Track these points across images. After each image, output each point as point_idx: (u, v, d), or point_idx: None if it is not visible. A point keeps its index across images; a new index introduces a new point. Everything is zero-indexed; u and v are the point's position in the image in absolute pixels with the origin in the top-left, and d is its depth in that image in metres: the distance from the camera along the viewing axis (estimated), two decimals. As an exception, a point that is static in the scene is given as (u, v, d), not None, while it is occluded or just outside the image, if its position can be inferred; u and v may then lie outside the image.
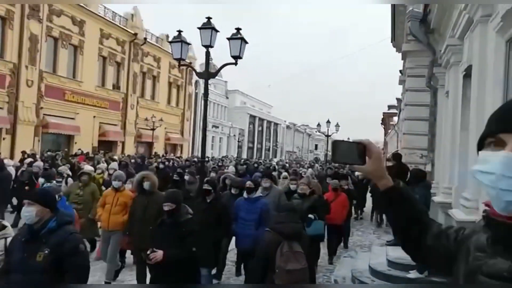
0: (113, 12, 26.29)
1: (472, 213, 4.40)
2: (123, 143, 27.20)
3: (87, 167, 9.41)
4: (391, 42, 12.96)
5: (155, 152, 26.93)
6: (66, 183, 8.60)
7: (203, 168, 7.31)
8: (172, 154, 28.23)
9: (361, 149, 1.18)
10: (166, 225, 3.98)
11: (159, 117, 28.06)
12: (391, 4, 10.69)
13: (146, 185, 5.51)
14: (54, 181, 8.22)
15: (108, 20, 25.47)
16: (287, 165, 22.09)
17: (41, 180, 7.86)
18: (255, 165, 19.26)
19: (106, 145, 25.23)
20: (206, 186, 5.39)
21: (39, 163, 10.00)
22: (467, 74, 5.49)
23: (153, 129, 26.63)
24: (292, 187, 7.14)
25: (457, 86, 6.42)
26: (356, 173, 13.18)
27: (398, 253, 6.29)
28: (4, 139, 18.55)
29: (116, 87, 27.09)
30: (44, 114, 20.68)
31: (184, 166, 14.79)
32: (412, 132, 10.09)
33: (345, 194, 8.11)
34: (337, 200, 7.71)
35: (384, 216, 11.63)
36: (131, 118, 28.06)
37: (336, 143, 1.21)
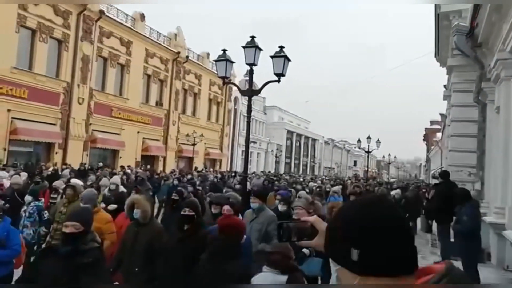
0: (157, 32, 27.55)
1: (529, 235, 4.19)
2: (164, 158, 28.06)
3: (74, 180, 8.07)
4: (435, 56, 12.67)
5: (195, 167, 27.53)
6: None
7: (245, 183, 7.40)
8: (211, 169, 28.74)
9: (309, 226, 1.30)
10: (60, 255, 2.81)
11: (199, 132, 28.80)
12: (435, 19, 10.51)
13: (135, 212, 4.43)
14: (42, 199, 6.93)
15: (153, 40, 26.71)
16: (320, 182, 19.09)
17: (27, 198, 6.45)
18: (279, 181, 17.78)
19: (148, 160, 26.14)
20: (184, 211, 4.02)
21: (17, 178, 8.56)
22: (520, 89, 5.29)
23: (193, 145, 27.32)
24: (281, 208, 5.63)
25: (509, 101, 6.19)
26: (392, 193, 12.49)
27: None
28: (56, 153, 19.74)
29: (159, 103, 28.16)
30: (92, 130, 21.86)
31: (196, 182, 13.05)
32: (459, 149, 9.74)
33: None
34: None
35: (430, 237, 11.17)
36: (173, 133, 28.97)
37: (281, 225, 1.33)
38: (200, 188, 9.29)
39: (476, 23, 7.70)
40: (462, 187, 7.62)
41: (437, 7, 9.86)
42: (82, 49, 20.88)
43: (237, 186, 11.15)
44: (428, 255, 10.16)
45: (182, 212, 4.04)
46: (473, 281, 5.52)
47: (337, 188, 11.61)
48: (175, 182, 12.51)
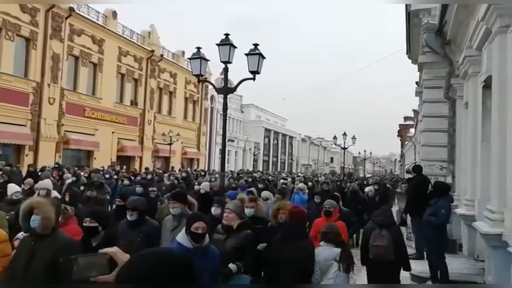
0: (131, 30, 27.01)
1: (497, 226, 4.34)
2: (140, 158, 27.60)
3: (11, 185, 6.64)
4: (407, 54, 12.94)
5: (172, 167, 27.21)
6: None
7: (222, 182, 7.35)
8: (188, 169, 28.46)
9: (107, 259, 1.20)
10: None
11: (176, 132, 28.45)
12: (406, 17, 10.72)
13: (32, 220, 3.33)
14: None
15: (126, 38, 26.17)
16: (291, 179, 17.15)
17: None
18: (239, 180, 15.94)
19: (124, 160, 25.65)
20: (85, 222, 3.22)
21: None
22: (487, 85, 5.46)
23: (170, 144, 26.99)
24: (215, 211, 4.96)
25: (476, 97, 6.38)
26: (366, 189, 12.50)
27: (421, 267, 6.20)
28: (27, 155, 19.07)
29: (134, 103, 27.64)
30: (65, 131, 21.23)
31: (145, 183, 10.27)
32: (431, 143, 10.00)
33: (342, 222, 5.40)
34: None
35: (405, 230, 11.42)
36: (149, 133, 28.51)
37: (75, 260, 1.23)
38: (155, 189, 8.19)
39: (444, 21, 7.91)
40: (440, 180, 7.83)
41: (407, 5, 10.06)
42: (52, 48, 20.21)
43: (196, 187, 9.45)
44: (403, 248, 10.37)
45: (83, 224, 3.23)
46: (443, 272, 5.61)
47: (302, 185, 10.77)
48: (126, 182, 11.10)
